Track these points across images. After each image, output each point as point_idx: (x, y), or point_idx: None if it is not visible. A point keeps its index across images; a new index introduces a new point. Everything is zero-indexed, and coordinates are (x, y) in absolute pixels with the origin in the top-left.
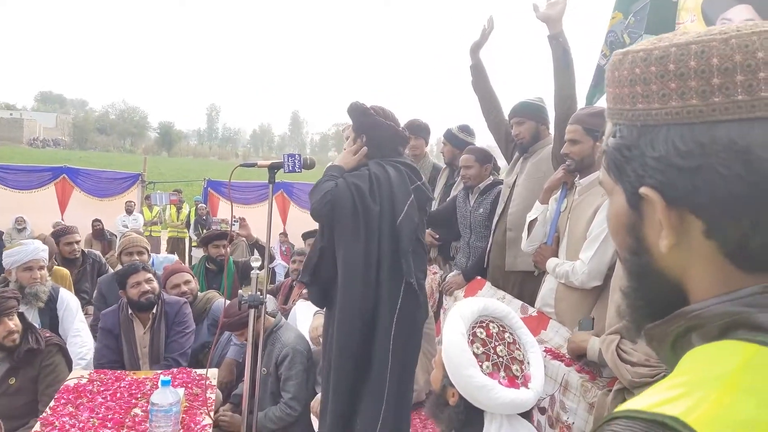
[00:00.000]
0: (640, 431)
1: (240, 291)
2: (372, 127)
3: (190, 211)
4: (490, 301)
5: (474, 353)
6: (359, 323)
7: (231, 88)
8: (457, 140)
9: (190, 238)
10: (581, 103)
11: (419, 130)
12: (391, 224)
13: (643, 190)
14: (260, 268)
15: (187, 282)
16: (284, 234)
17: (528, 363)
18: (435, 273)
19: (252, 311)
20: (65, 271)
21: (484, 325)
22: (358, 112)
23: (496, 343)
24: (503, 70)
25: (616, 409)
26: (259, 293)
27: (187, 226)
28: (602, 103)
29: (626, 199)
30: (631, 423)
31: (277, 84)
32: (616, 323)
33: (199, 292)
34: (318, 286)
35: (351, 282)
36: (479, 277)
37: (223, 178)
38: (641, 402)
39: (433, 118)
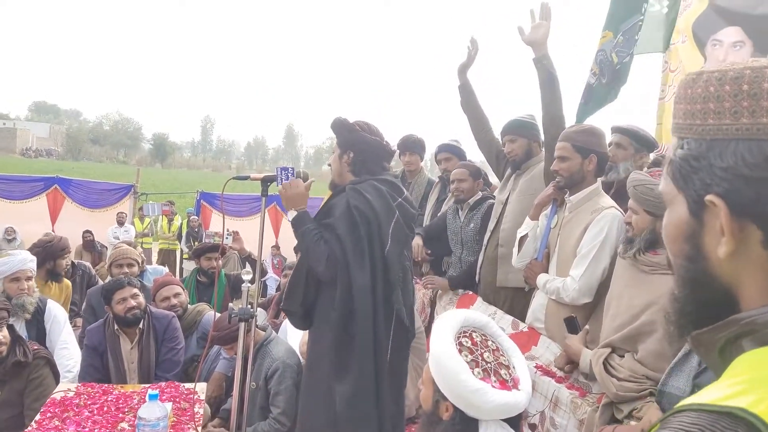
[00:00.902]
0: (708, 422)
1: (230, 304)
2: (358, 143)
3: (182, 223)
4: (470, 312)
5: (464, 361)
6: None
7: (226, 100)
8: (460, 152)
9: (182, 251)
10: (570, 121)
11: (414, 145)
12: (380, 253)
13: (709, 197)
14: (251, 281)
15: (177, 294)
16: (276, 247)
17: (513, 367)
18: (427, 288)
19: (242, 325)
20: (67, 282)
21: (467, 334)
22: (343, 128)
23: (482, 350)
24: (495, 83)
25: (678, 404)
26: (249, 306)
27: (179, 238)
28: (591, 120)
29: (688, 208)
30: (698, 415)
31: (272, 97)
32: (609, 337)
33: (189, 305)
34: (303, 311)
35: (365, 313)
36: (471, 293)
37: (216, 190)
38: (704, 397)
39: (430, 128)
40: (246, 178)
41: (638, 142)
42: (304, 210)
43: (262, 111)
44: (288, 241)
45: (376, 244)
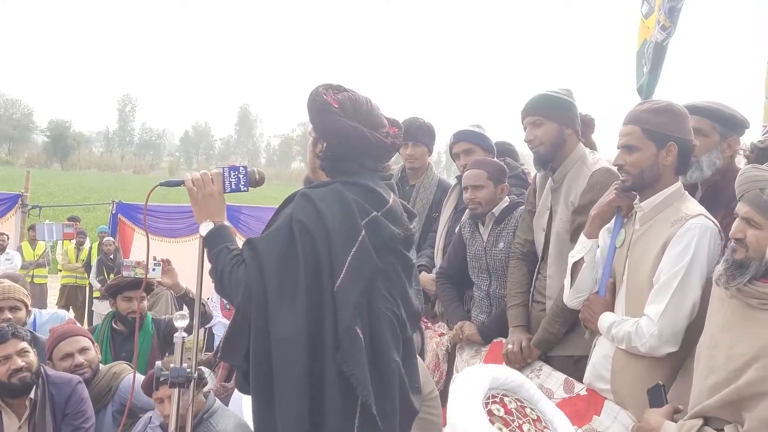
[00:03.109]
0: None
1: (158, 363)
2: (331, 130)
3: (91, 247)
4: (499, 368)
5: None
6: None
7: (152, 75)
8: (486, 141)
9: (91, 286)
10: (632, 92)
11: (420, 133)
12: (329, 289)
13: None
14: (188, 329)
15: (83, 350)
16: None
17: None
18: (441, 335)
19: (174, 392)
20: None
21: (498, 399)
22: (315, 106)
23: (520, 421)
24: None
25: None
26: (186, 366)
27: (87, 268)
28: (662, 93)
29: None
30: None
31: (218, 69)
32: (701, 402)
33: (101, 364)
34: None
35: (287, 388)
36: (503, 339)
37: (140, 200)
38: None
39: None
40: (180, 183)
41: (724, 125)
42: (222, 223)
43: (204, 89)
44: None
45: (323, 278)
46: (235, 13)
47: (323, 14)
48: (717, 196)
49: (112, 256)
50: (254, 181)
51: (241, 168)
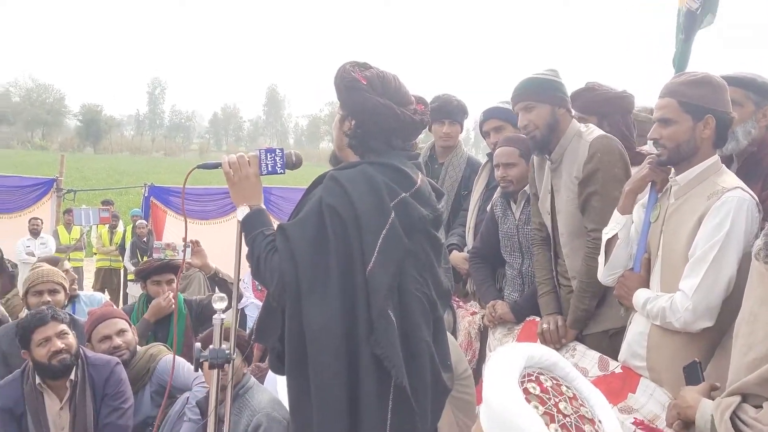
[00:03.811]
0: None
1: (197, 344)
2: (359, 106)
3: (125, 231)
4: (533, 347)
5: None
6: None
7: (181, 58)
8: (516, 118)
9: (125, 269)
10: (667, 63)
11: (456, 112)
12: (361, 274)
13: None
14: (225, 310)
15: (121, 332)
16: None
17: (600, 421)
18: (474, 313)
19: (214, 373)
20: None
21: (534, 377)
22: (343, 83)
23: (557, 399)
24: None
25: None
26: (224, 347)
27: (122, 251)
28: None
29: None
30: None
31: (246, 51)
32: (740, 379)
33: (138, 347)
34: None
35: (323, 377)
36: (537, 318)
37: (171, 182)
38: None
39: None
40: (217, 165)
41: (759, 94)
42: (259, 207)
43: (232, 70)
44: None
45: (355, 262)
46: None
47: None
48: (754, 168)
49: (145, 239)
50: (291, 163)
51: (278, 150)
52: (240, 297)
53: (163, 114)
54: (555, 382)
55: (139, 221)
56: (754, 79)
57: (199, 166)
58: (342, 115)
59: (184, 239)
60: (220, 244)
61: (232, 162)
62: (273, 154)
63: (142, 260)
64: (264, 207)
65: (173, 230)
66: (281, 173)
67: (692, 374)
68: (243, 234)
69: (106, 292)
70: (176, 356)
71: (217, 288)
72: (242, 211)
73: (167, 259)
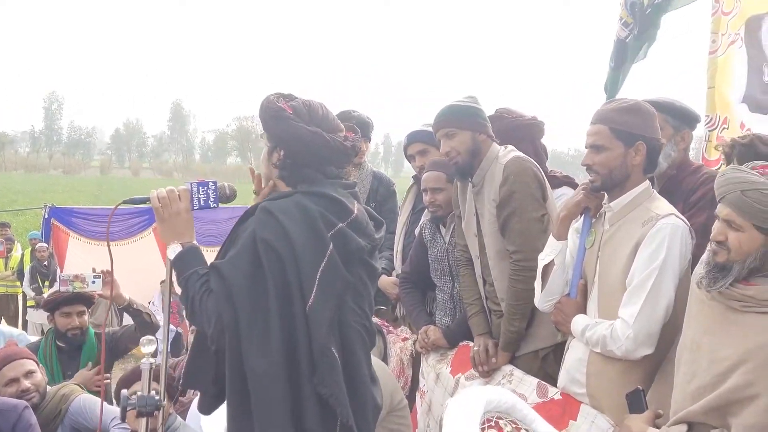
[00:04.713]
0: None
1: (124, 391)
2: (288, 136)
3: (23, 255)
4: (490, 390)
5: None
6: None
7: (79, 71)
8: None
9: (24, 295)
10: (599, 90)
11: (363, 127)
12: (301, 311)
13: None
14: (154, 354)
15: (29, 374)
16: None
17: None
18: (405, 339)
19: (142, 422)
20: None
21: (492, 423)
22: (268, 113)
23: None
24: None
25: None
26: (154, 392)
27: (20, 276)
28: (627, 91)
29: None
30: None
31: (149, 65)
32: (684, 408)
33: (48, 387)
34: (217, 389)
35: (266, 407)
36: (470, 342)
37: (72, 201)
38: None
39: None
40: (145, 200)
41: (676, 118)
42: (191, 245)
43: (135, 85)
44: None
45: (293, 298)
46: (164, 7)
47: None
48: (674, 190)
49: (46, 263)
50: (225, 196)
51: (210, 183)
52: (156, 327)
53: (61, 130)
54: (514, 425)
55: (39, 244)
56: (672, 104)
57: (125, 201)
58: (270, 147)
59: (110, 272)
60: (128, 266)
61: (161, 196)
62: (205, 188)
63: (44, 285)
64: (197, 244)
65: (76, 253)
66: (214, 207)
67: (635, 402)
68: (175, 274)
69: (2, 319)
70: (90, 395)
71: (132, 319)
72: (173, 250)
73: (76, 291)
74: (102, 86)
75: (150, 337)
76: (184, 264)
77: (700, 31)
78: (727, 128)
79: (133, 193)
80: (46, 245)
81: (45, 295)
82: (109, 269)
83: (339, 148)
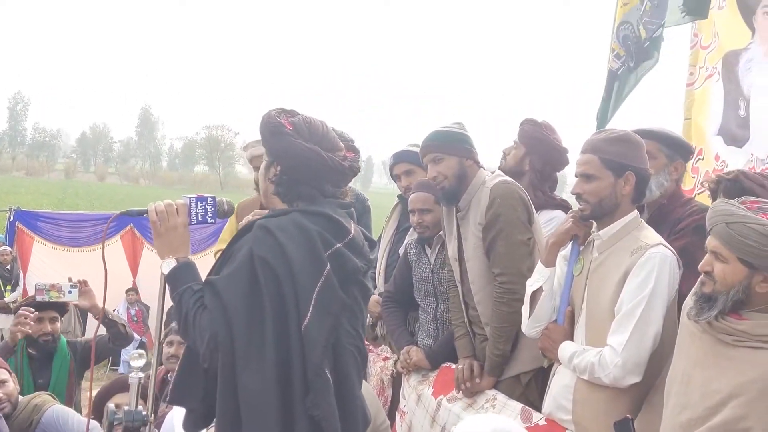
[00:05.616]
0: None
1: (110, 405)
2: (285, 152)
3: None
4: (494, 420)
5: None
6: None
7: (46, 72)
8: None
9: None
10: (591, 122)
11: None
12: (296, 331)
13: None
14: (144, 368)
15: (1, 383)
16: (134, 290)
17: None
18: (386, 359)
19: None
20: None
21: None
22: (267, 128)
23: None
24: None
25: None
26: (141, 408)
27: None
28: (618, 122)
29: None
30: None
31: (117, 69)
32: None
33: (20, 396)
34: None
35: (257, 427)
36: (452, 364)
37: (36, 204)
38: None
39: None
40: (143, 213)
41: (670, 148)
42: (187, 260)
43: (102, 89)
44: (152, 280)
45: (289, 317)
46: (134, 11)
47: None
48: (662, 219)
49: (9, 267)
50: (222, 211)
51: (209, 198)
52: (131, 338)
53: (26, 131)
54: None
55: (3, 247)
56: (667, 134)
57: (123, 213)
58: (268, 162)
59: (104, 291)
60: (96, 272)
61: (159, 210)
62: (204, 203)
63: (6, 289)
64: (192, 260)
65: (41, 257)
66: (212, 222)
67: (624, 431)
68: (169, 289)
69: None
70: (63, 407)
71: (106, 329)
72: (168, 264)
73: (52, 301)
74: (69, 89)
75: (140, 351)
76: (178, 279)
77: (676, 63)
78: (702, 159)
79: (99, 197)
80: (10, 249)
81: (6, 299)
82: (86, 280)
83: (337, 168)
